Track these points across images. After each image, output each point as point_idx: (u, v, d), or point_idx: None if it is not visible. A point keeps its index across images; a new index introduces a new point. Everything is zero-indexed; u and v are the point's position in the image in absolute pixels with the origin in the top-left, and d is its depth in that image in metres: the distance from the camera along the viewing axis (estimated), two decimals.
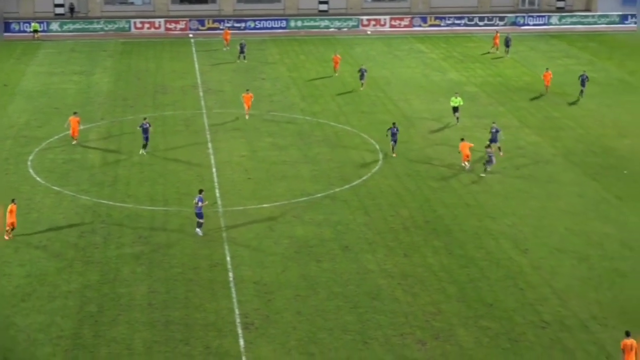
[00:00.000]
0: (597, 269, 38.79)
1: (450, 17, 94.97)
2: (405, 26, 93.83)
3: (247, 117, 59.53)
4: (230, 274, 37.85)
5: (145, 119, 53.54)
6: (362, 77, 68.45)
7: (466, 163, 50.74)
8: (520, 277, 37.93)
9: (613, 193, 47.73)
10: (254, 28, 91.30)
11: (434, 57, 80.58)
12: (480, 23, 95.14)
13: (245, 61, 76.78)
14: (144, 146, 52.66)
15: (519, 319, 34.54)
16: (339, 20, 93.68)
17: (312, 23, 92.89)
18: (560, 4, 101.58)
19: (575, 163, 52.41)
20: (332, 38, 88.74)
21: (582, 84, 66.19)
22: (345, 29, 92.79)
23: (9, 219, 40.40)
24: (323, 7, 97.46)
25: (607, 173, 50.82)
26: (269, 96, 66.08)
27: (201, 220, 41.41)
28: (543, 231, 42.69)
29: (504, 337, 33.30)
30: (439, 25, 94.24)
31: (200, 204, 41.28)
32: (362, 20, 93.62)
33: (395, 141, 52.91)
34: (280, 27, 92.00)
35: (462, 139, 51.56)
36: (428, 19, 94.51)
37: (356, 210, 44.98)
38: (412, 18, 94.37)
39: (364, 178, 49.47)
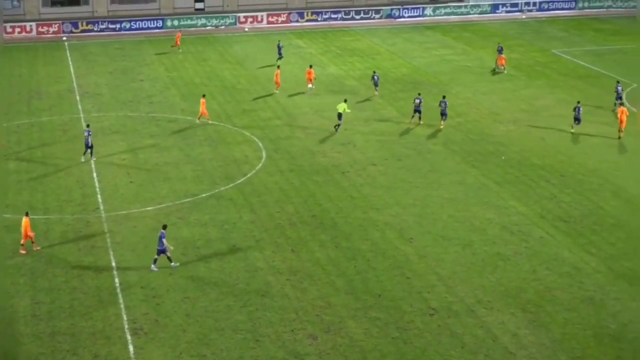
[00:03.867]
0: (481, 254, 39.70)
1: (327, 11, 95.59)
2: (283, 22, 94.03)
3: (198, 121, 58.75)
4: (117, 280, 37.24)
5: (88, 125, 52.47)
6: (376, 84, 66.20)
7: (310, 86, 66.50)
8: (406, 266, 38.51)
9: (492, 179, 48.91)
10: (130, 29, 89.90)
11: (312, 52, 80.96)
12: (357, 17, 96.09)
13: (281, 60, 75.80)
14: (91, 153, 51.54)
15: (407, 308, 35.06)
16: (216, 18, 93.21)
17: (189, 22, 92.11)
18: None
19: (455, 151, 53.48)
20: (210, 36, 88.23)
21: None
22: (222, 27, 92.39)
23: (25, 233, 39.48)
24: (199, 5, 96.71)
25: (485, 160, 52.04)
26: (148, 97, 65.27)
27: (157, 257, 38.13)
28: (427, 220, 43.42)
29: (393, 326, 33.76)
30: (316, 20, 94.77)
31: (163, 239, 37.86)
32: (239, 17, 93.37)
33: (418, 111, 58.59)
34: (157, 27, 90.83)
35: (311, 66, 66.97)
36: (305, 14, 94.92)
37: (242, 208, 44.86)
38: (290, 14, 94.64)
39: (248, 175, 49.38)
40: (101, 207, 44.85)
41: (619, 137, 55.20)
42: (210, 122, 58.68)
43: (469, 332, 33.39)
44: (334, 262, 38.96)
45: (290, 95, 65.65)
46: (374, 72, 68.49)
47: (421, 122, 58.30)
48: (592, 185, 47.89)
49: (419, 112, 58.36)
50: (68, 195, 46.23)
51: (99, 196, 46.34)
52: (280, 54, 76.59)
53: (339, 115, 56.98)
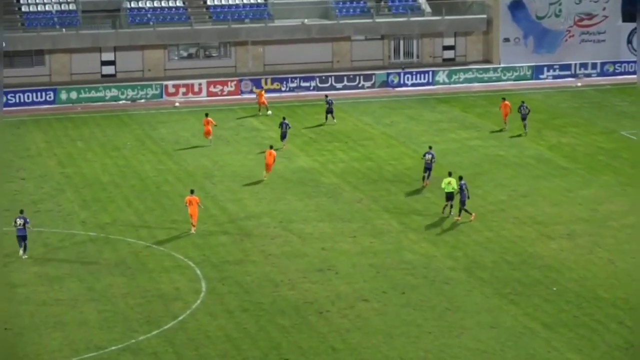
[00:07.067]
0: None
1: (295, 77, 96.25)
2: (231, 93, 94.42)
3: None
4: None
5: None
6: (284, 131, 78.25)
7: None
8: None
9: (539, 320, 48.75)
10: (6, 104, 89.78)
11: (273, 135, 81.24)
12: (338, 85, 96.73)
13: (335, 121, 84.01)
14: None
15: None
16: (133, 88, 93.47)
17: (93, 94, 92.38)
18: (449, 54, 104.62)
19: (484, 280, 53.43)
20: (123, 114, 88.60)
21: None
22: (142, 101, 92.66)
23: None
24: (108, 69, 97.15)
25: (529, 292, 51.94)
26: (32, 204, 65.13)
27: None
28: None
29: None
30: (279, 90, 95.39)
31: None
32: (166, 86, 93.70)
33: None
34: (46, 101, 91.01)
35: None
36: (263, 81, 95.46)
37: None
38: (240, 81, 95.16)
39: (180, 318, 49.03)
40: None
41: None
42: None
43: None
44: None
45: (240, 200, 65.64)
46: (284, 118, 79.03)
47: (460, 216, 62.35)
48: None
49: (463, 202, 62.01)
50: None
51: None
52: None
53: (449, 196, 61.30)
